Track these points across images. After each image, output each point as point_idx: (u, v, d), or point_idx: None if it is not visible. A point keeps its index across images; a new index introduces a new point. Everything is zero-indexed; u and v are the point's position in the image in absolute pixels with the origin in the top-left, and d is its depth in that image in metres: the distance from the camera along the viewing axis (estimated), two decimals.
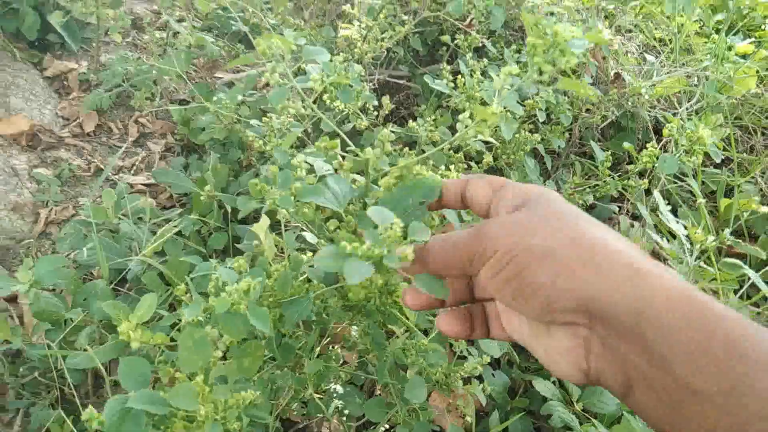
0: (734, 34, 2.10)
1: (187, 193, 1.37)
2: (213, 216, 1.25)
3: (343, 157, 0.80)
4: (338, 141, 0.78)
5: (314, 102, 1.09)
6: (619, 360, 0.36)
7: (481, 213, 0.48)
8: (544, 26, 0.57)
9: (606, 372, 0.37)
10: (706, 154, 1.24)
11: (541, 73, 0.57)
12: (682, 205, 1.35)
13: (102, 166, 1.46)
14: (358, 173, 0.78)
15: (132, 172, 1.51)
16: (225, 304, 0.60)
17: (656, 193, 0.83)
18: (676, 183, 1.28)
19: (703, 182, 1.40)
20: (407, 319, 0.84)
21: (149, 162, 1.53)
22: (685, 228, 0.78)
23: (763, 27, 2.30)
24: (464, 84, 1.02)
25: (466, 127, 0.63)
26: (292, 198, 0.73)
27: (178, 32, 1.57)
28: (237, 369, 0.74)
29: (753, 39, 2.16)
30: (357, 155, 0.77)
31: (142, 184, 1.47)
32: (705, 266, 0.76)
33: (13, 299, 1.29)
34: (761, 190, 1.39)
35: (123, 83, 1.61)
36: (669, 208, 1.23)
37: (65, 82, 1.69)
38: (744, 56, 2.01)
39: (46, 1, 1.64)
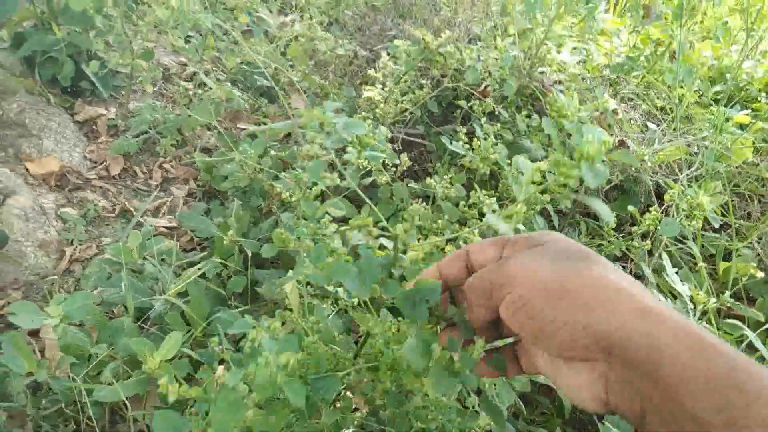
0: (732, 106, 2.20)
1: (208, 237, 1.43)
2: (234, 260, 1.30)
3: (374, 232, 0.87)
4: (371, 219, 0.84)
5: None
6: (634, 391, 0.38)
7: None
8: (569, 142, 0.65)
9: (622, 403, 0.39)
10: (706, 219, 1.30)
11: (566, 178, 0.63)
12: (684, 267, 1.41)
13: (129, 208, 1.52)
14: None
15: (155, 215, 1.57)
16: (264, 374, 0.65)
17: (664, 255, 0.89)
18: (676, 245, 1.35)
19: (702, 245, 1.46)
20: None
21: (172, 206, 1.60)
22: (689, 289, 0.84)
23: (759, 99, 2.41)
24: (479, 146, 1.09)
25: (493, 211, 0.70)
26: (324, 275, 0.78)
27: (205, 84, 1.66)
28: (263, 424, 0.78)
29: (750, 110, 2.26)
30: (386, 229, 0.83)
31: (164, 227, 1.53)
32: (706, 326, 0.81)
33: (34, 333, 1.33)
34: (758, 254, 1.44)
35: (150, 130, 1.70)
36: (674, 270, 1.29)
37: (94, 127, 1.78)
38: (741, 127, 2.11)
39: (83, 50, 1.74)
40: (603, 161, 0.56)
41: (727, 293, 0.81)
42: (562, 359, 0.43)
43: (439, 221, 0.96)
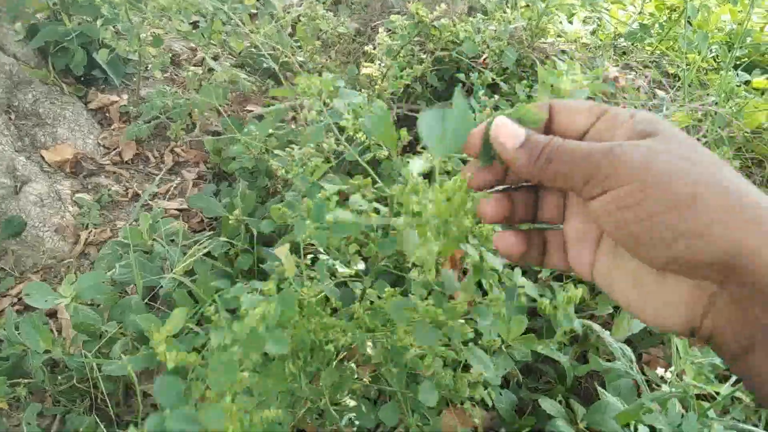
0: (752, 71, 2.15)
1: (217, 217, 1.46)
2: (240, 239, 1.33)
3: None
4: (370, 179, 0.86)
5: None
6: (749, 321, 0.34)
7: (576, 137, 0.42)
8: (550, 82, 0.65)
9: (726, 331, 0.35)
10: None
11: None
12: None
13: (139, 192, 1.56)
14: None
15: (166, 197, 1.60)
16: (245, 328, 0.68)
17: None
18: None
19: None
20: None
21: (183, 189, 1.63)
22: None
23: None
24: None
25: None
26: (326, 233, 0.80)
27: (214, 69, 1.69)
28: (261, 387, 0.81)
29: None
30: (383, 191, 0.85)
31: (175, 209, 1.56)
32: None
33: (52, 314, 1.38)
34: None
35: (160, 115, 1.73)
36: None
37: (107, 114, 1.82)
38: (763, 92, 2.06)
39: (93, 40, 1.77)
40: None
41: None
42: (655, 271, 0.38)
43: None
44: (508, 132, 0.40)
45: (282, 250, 0.89)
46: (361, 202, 0.86)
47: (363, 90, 1.32)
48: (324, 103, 0.93)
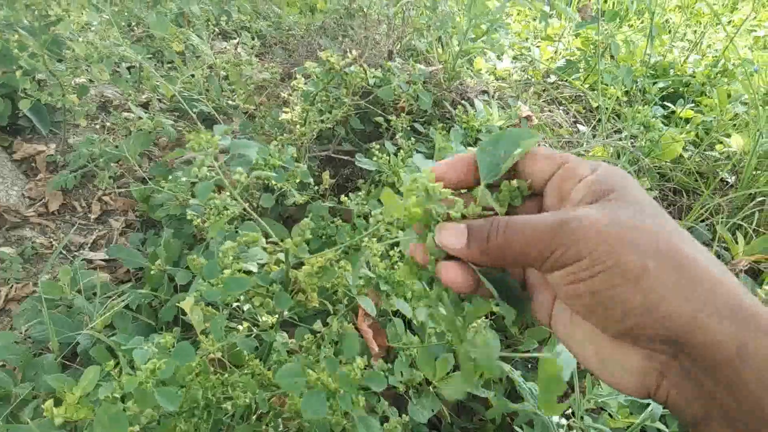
0: (676, 101, 2.24)
1: (141, 267, 1.43)
2: (164, 289, 1.31)
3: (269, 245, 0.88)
4: (258, 235, 0.86)
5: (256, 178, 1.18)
6: (702, 394, 0.34)
7: (536, 190, 0.42)
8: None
9: (680, 402, 0.35)
10: None
11: None
12: None
13: (65, 243, 1.53)
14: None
15: (92, 248, 1.57)
16: (134, 382, 0.66)
17: None
18: None
19: None
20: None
21: (109, 238, 1.60)
22: None
23: (704, 93, 2.46)
24: (388, 162, 1.11)
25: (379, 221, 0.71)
26: (219, 289, 0.79)
27: (139, 116, 1.67)
28: None
29: (693, 104, 2.30)
30: (277, 244, 0.85)
31: (101, 260, 1.53)
32: None
33: None
34: None
35: (88, 163, 1.70)
36: None
37: (33, 164, 1.78)
38: (687, 120, 2.15)
39: (17, 89, 1.74)
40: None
41: None
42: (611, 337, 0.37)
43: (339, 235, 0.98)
44: (450, 233, 0.40)
45: (186, 304, 0.88)
46: (261, 254, 0.86)
47: (284, 134, 1.33)
48: (223, 153, 0.93)
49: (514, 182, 0.41)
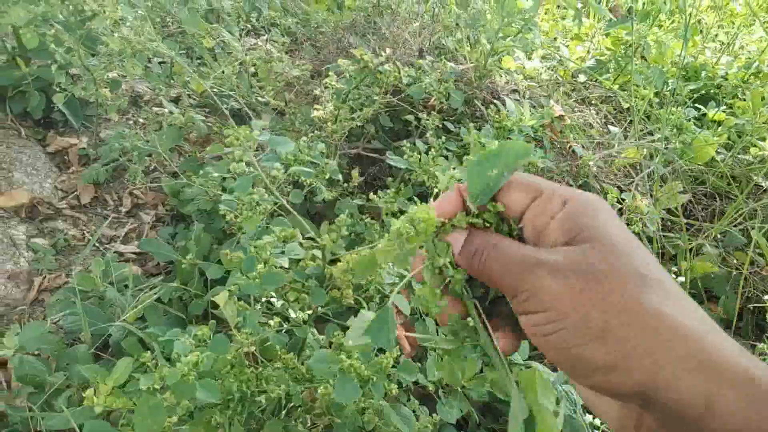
0: (707, 103, 2.20)
1: (172, 261, 1.45)
2: (194, 283, 1.32)
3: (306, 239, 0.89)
4: (297, 230, 0.86)
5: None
6: None
7: (513, 220, 0.41)
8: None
9: None
10: (668, 217, 1.31)
11: None
12: None
13: (98, 237, 1.55)
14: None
15: (123, 241, 1.59)
16: (176, 374, 0.67)
17: None
18: None
19: (663, 246, 1.46)
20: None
21: (140, 232, 1.62)
22: None
23: (737, 95, 2.41)
24: (420, 160, 1.11)
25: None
26: (256, 283, 0.80)
27: (171, 111, 1.69)
28: None
29: (726, 107, 2.26)
30: (314, 240, 0.85)
31: (132, 253, 1.55)
32: None
33: (2, 364, 1.35)
34: (721, 252, 1.44)
35: (119, 158, 1.72)
36: None
37: (66, 157, 1.81)
38: (719, 123, 2.11)
39: (52, 83, 1.77)
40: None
41: None
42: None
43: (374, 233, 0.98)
44: (451, 238, 0.41)
45: (221, 298, 0.89)
46: (297, 250, 0.86)
47: (314, 132, 1.33)
48: (260, 148, 0.93)
49: (496, 206, 0.40)
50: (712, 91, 2.44)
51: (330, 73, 1.25)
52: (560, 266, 0.35)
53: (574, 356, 0.34)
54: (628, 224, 1.02)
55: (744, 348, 0.34)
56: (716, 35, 2.91)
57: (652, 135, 1.69)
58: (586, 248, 0.35)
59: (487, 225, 0.40)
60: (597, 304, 0.34)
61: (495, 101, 1.24)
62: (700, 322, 0.34)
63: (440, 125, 1.32)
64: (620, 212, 1.07)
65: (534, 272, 0.36)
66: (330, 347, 0.93)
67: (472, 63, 1.51)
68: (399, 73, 1.13)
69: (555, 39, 2.66)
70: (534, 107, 1.41)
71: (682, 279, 1.05)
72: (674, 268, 1.25)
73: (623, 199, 1.03)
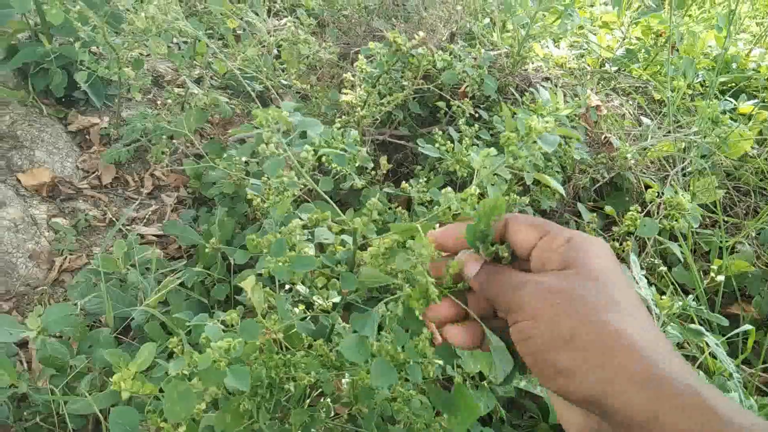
0: (738, 96, 2.14)
1: (194, 244, 1.43)
2: (217, 268, 1.30)
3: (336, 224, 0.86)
4: (329, 213, 0.83)
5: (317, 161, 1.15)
6: None
7: (522, 256, 0.47)
8: (518, 119, 0.63)
9: None
10: (702, 212, 1.27)
11: (515, 158, 0.62)
12: (678, 265, 1.38)
13: (116, 218, 1.53)
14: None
15: (144, 223, 1.57)
16: (207, 360, 0.65)
17: (633, 257, 0.87)
18: (663, 244, 1.31)
19: (696, 243, 1.42)
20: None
21: (161, 214, 1.60)
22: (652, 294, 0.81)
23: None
24: (453, 149, 1.07)
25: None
26: (286, 266, 0.77)
27: (195, 92, 1.67)
28: (220, 425, 0.78)
29: (757, 100, 2.20)
30: (345, 223, 0.82)
31: (153, 235, 1.53)
32: (670, 331, 0.78)
33: (24, 344, 1.34)
34: (756, 250, 1.40)
35: (141, 138, 1.70)
36: (666, 268, 1.26)
37: (87, 137, 1.79)
38: (749, 117, 2.05)
39: (74, 61, 1.75)
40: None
41: (690, 297, 0.78)
42: None
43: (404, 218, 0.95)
44: (472, 263, 0.48)
45: (248, 283, 0.87)
46: (327, 234, 0.83)
47: (343, 117, 1.30)
48: (288, 132, 0.90)
49: (499, 247, 0.48)
50: (742, 83, 2.37)
51: (360, 57, 1.21)
52: (545, 285, 0.42)
53: (543, 360, 0.40)
54: (667, 218, 0.99)
55: (694, 369, 0.38)
56: (748, 26, 2.83)
57: (684, 128, 1.64)
58: (571, 273, 0.42)
59: (501, 257, 0.48)
60: (568, 317, 0.39)
61: (529, 89, 1.20)
62: (656, 343, 0.38)
63: (473, 113, 1.28)
64: (658, 208, 1.03)
65: (524, 288, 0.43)
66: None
67: (504, 49, 1.46)
68: (433, 57, 1.09)
69: (581, 27, 2.60)
70: (566, 96, 1.37)
71: (721, 278, 1.01)
72: (710, 266, 1.22)
73: (662, 194, 0.99)
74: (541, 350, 0.40)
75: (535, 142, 0.60)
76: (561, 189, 0.61)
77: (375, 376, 0.65)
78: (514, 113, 0.99)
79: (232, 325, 0.81)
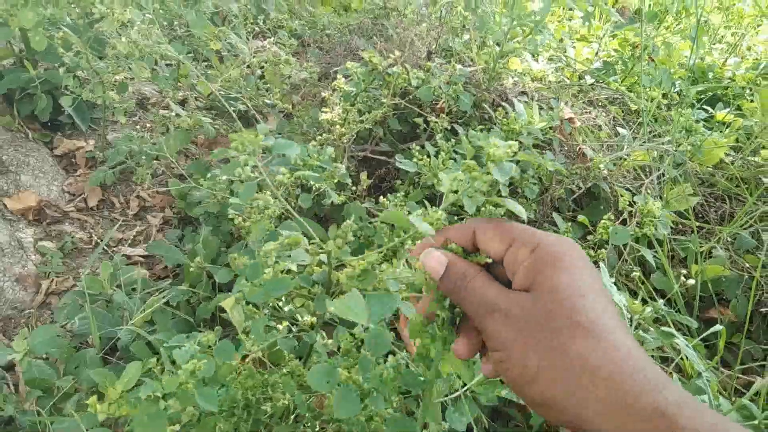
0: (715, 104, 2.19)
1: (180, 264, 1.44)
2: (202, 286, 1.32)
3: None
4: (301, 238, 0.85)
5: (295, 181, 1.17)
6: None
7: (496, 261, 0.47)
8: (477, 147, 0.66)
9: None
10: (679, 219, 1.29)
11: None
12: (656, 271, 1.40)
13: (102, 239, 1.55)
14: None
15: (130, 244, 1.59)
16: (174, 383, 0.66)
17: (602, 265, 0.89)
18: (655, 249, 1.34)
19: (674, 249, 1.45)
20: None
21: (147, 234, 1.62)
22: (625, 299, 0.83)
23: (744, 96, 2.40)
24: (429, 164, 1.10)
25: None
26: (261, 289, 0.79)
27: (178, 114, 1.69)
28: None
29: (734, 108, 2.25)
30: (321, 247, 0.84)
31: (139, 256, 1.55)
32: (643, 335, 0.81)
33: (11, 367, 1.35)
34: (731, 255, 1.43)
35: (127, 160, 1.72)
36: (639, 273, 1.28)
37: (73, 160, 1.81)
38: (727, 125, 2.10)
39: (59, 86, 1.77)
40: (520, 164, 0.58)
41: (661, 302, 0.81)
42: None
43: (384, 238, 0.97)
44: (433, 259, 0.48)
45: (228, 303, 0.88)
46: (303, 256, 0.85)
47: (324, 134, 1.33)
48: (267, 152, 0.93)
49: (478, 257, 0.49)
50: (719, 92, 2.43)
51: (339, 76, 1.24)
52: (512, 314, 0.42)
53: (521, 392, 0.42)
54: (639, 226, 1.02)
55: (669, 382, 0.38)
56: (723, 36, 2.89)
57: (660, 137, 1.68)
58: (537, 296, 0.42)
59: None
60: (534, 349, 0.40)
61: (503, 104, 1.24)
62: (625, 362, 0.38)
63: (449, 128, 1.31)
64: (630, 215, 1.06)
65: (493, 317, 0.43)
66: (338, 351, 0.92)
67: (480, 65, 1.50)
68: (408, 75, 1.12)
69: (561, 41, 2.65)
70: (542, 109, 1.40)
71: (692, 281, 1.04)
72: (684, 272, 1.25)
73: (635, 202, 1.02)
74: (517, 383, 0.41)
75: (488, 173, 0.62)
76: (524, 214, 0.62)
77: (338, 407, 0.66)
78: (478, 138, 1.02)
79: (209, 347, 0.83)
